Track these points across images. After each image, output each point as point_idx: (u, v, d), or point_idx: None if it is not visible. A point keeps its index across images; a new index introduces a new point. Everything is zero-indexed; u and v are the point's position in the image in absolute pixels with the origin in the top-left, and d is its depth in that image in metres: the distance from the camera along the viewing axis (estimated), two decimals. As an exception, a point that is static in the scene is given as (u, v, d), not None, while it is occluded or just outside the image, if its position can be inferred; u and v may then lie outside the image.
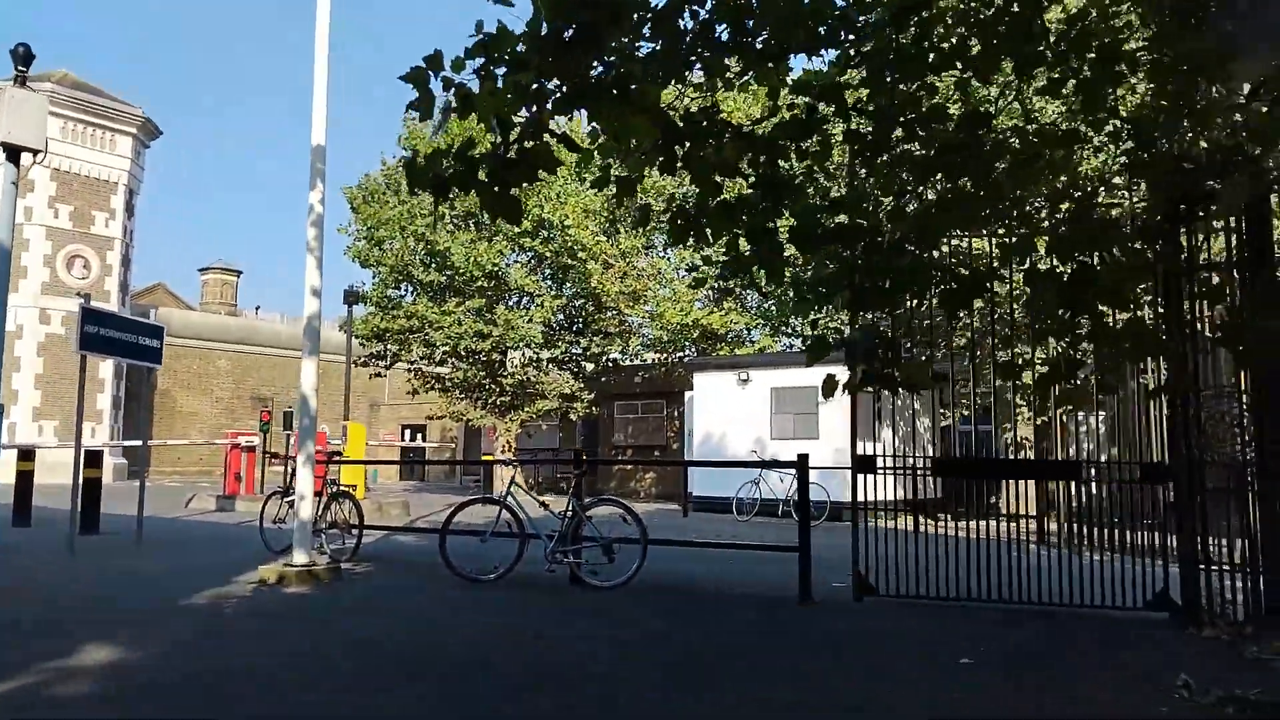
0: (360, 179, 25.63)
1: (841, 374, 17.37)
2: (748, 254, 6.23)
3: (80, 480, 11.16)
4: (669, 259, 21.63)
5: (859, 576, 7.82)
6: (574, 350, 25.72)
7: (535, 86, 4.15)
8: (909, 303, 7.21)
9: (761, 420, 18.87)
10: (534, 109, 4.19)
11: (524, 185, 4.60)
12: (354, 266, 28.88)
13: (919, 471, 8.33)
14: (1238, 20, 5.53)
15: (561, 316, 25.17)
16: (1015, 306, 8.26)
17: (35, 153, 11.07)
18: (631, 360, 24.85)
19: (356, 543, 9.79)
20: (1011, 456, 18.10)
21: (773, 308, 19.99)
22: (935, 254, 7.15)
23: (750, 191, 5.88)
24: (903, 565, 7.75)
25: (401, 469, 38.53)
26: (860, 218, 5.81)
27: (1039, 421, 18.72)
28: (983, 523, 8.86)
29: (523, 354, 25.92)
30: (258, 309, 48.07)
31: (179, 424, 38.60)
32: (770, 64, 5.60)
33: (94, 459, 12.86)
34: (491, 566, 8.42)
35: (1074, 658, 6.06)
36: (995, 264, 6.49)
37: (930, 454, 17.50)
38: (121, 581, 8.48)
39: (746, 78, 5.78)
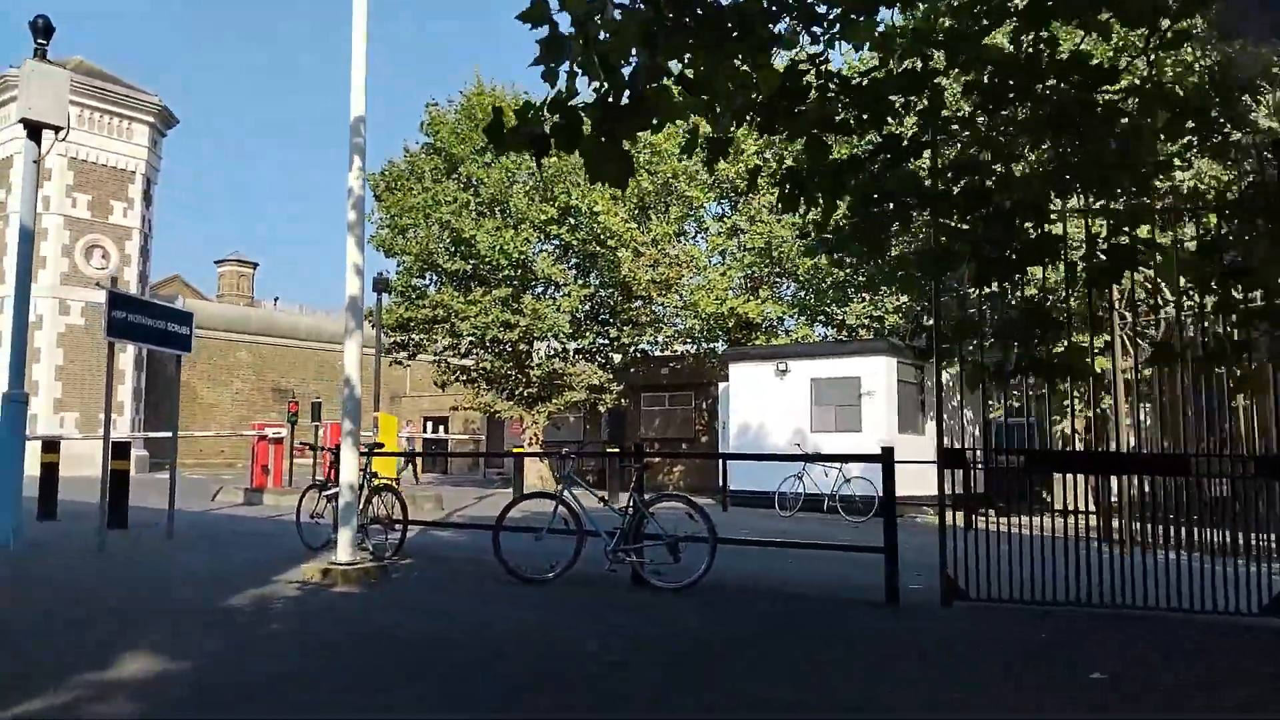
0: (383, 166, 25.20)
1: (883, 366, 16.66)
2: (847, 226, 5.69)
3: (108, 473, 10.69)
4: (701, 246, 21.05)
5: (948, 579, 7.25)
6: (601, 341, 25.20)
7: (653, 26, 3.59)
8: (1043, 275, 6.59)
9: (801, 412, 18.29)
10: (650, 50, 3.63)
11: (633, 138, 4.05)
12: (377, 255, 28.48)
13: (1007, 466, 7.66)
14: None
15: (589, 306, 24.66)
16: (1160, 281, 7.63)
17: (57, 130, 10.61)
18: (662, 351, 24.28)
19: (401, 539, 9.29)
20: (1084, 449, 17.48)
21: (810, 296, 19.38)
22: (1063, 223, 6.54)
23: (861, 153, 5.33)
24: (990, 566, 7.17)
25: (424, 462, 38.08)
26: (985, 179, 5.26)
27: (1090, 414, 18.10)
28: (1064, 520, 8.29)
29: (549, 345, 25.45)
30: (276, 300, 47.77)
31: (199, 416, 38.31)
32: (860, 17, 5.06)
33: (122, 451, 12.41)
34: (548, 565, 7.90)
35: (1215, 674, 5.48)
36: (1152, 233, 5.89)
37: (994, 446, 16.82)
38: (156, 581, 8.00)
39: (835, 30, 5.22)
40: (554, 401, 24.70)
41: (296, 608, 6.70)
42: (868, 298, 18.33)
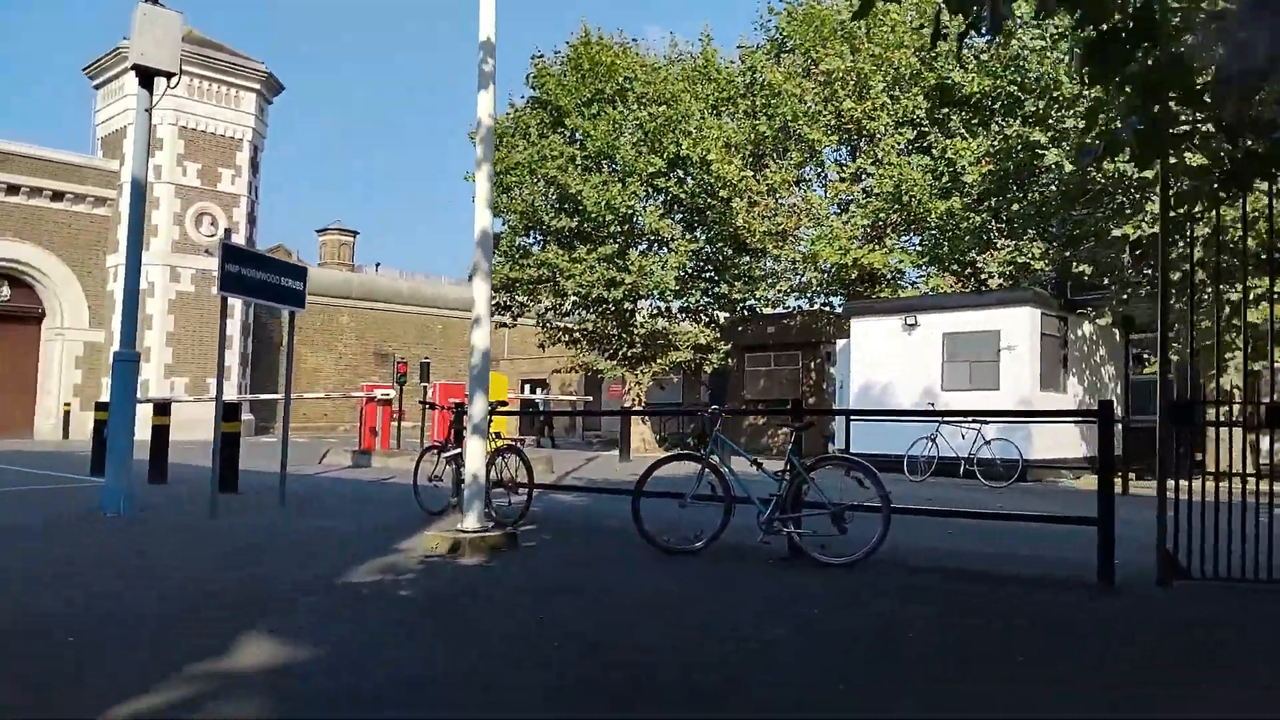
0: (485, 121, 24.55)
1: (1025, 318, 14.94)
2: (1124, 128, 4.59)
3: (218, 435, 10.27)
4: (820, 194, 19.79)
5: (1167, 555, 6.16)
6: (708, 298, 24.22)
7: None
8: None
9: (932, 369, 17.07)
10: None
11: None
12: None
13: (1255, 424, 6.46)
14: None
15: (696, 262, 23.69)
16: None
17: (169, 76, 10.11)
18: (774, 307, 23.17)
19: (526, 504, 8.58)
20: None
21: (943, 244, 18.01)
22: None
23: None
24: (1206, 539, 6.06)
25: (521, 422, 37.79)
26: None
27: (1254, 367, 16.43)
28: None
29: (651, 304, 24.61)
30: (377, 266, 48.03)
31: (304, 379, 38.77)
32: None
33: (232, 412, 12.06)
34: (693, 535, 7.08)
35: None
36: None
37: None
38: (271, 550, 7.44)
39: None
40: (658, 362, 23.91)
41: (427, 583, 6.01)
42: (1010, 244, 16.89)
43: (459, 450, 9.31)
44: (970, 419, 13.62)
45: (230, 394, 29.72)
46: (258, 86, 33.54)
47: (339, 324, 41.28)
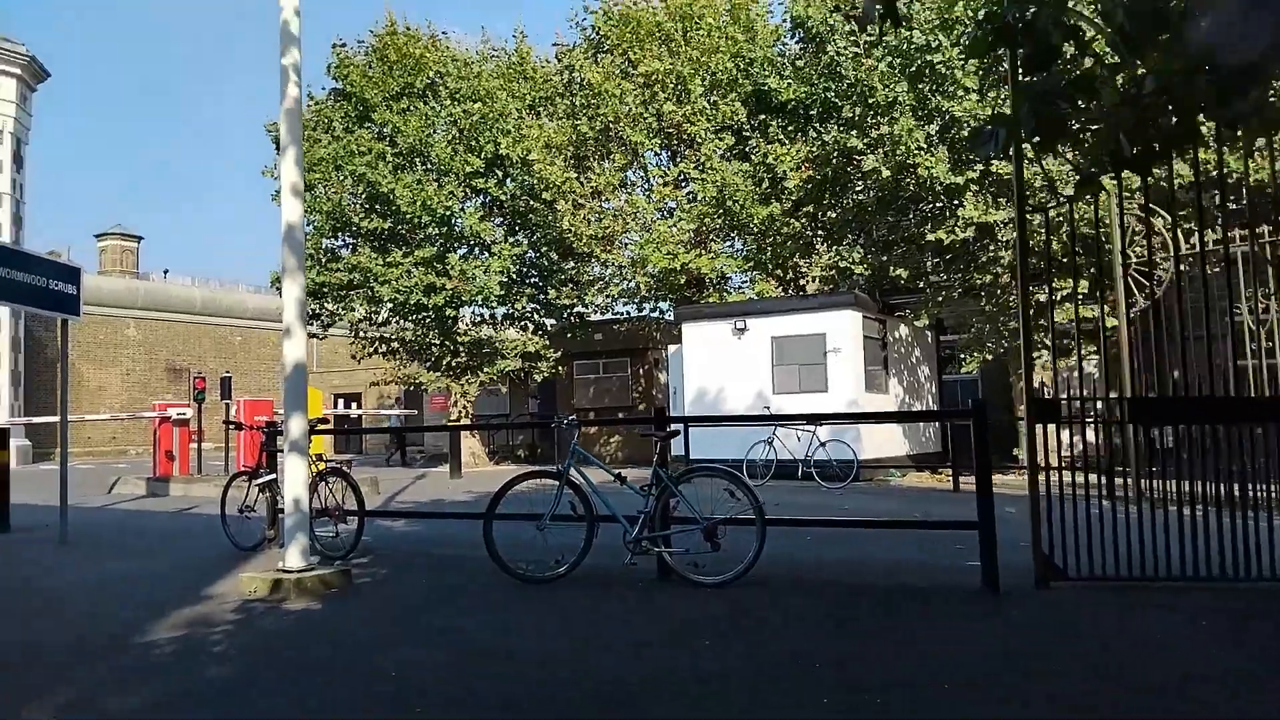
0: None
1: (848, 321, 15.01)
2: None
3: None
4: (648, 198, 19.53)
5: (1043, 557, 6.06)
6: (534, 304, 23.54)
7: None
8: None
9: (762, 373, 17.10)
10: None
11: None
12: (280, 215, 26.19)
13: (1105, 420, 6.47)
14: None
15: (520, 267, 22.96)
16: None
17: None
18: (602, 313, 22.76)
19: (357, 534, 7.66)
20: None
21: (766, 250, 18.10)
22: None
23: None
24: (1080, 538, 6.02)
25: (336, 441, 35.79)
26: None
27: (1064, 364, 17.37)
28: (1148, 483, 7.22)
29: (474, 311, 23.68)
30: (166, 273, 44.33)
31: (86, 400, 35.28)
32: None
33: (1, 439, 10.40)
34: (553, 560, 6.45)
35: None
36: None
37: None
38: (49, 603, 6.25)
39: None
40: (485, 371, 23.00)
41: (246, 638, 5.09)
42: (830, 249, 17.13)
43: (273, 476, 8.31)
44: (827, 421, 13.52)
45: (2, 417, 26.51)
46: (18, 71, 30.27)
47: (124, 337, 37.83)
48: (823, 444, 15.06)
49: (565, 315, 24.09)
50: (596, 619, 5.46)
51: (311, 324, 24.03)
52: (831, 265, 16.41)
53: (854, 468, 14.86)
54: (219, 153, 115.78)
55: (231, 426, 9.58)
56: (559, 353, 23.36)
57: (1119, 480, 6.34)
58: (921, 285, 16.72)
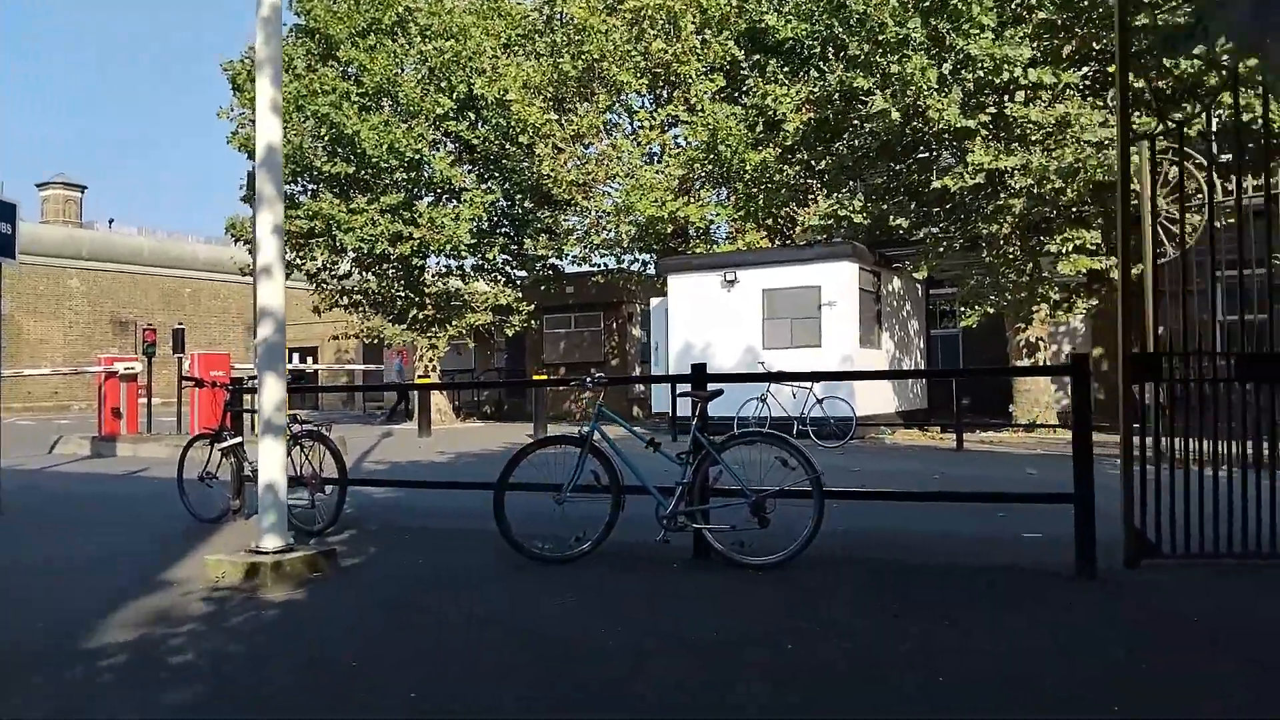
0: (244, 51, 21.40)
1: (846, 273, 14.07)
2: None
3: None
4: (634, 142, 18.42)
5: (1136, 533, 5.30)
6: (506, 255, 22.43)
7: None
8: None
9: (752, 327, 16.26)
10: None
11: None
12: (238, 158, 24.67)
13: (1212, 380, 5.66)
14: None
15: (492, 216, 21.81)
16: None
17: None
18: (582, 265, 21.71)
19: (337, 506, 6.69)
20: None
21: (759, 197, 17.13)
22: None
23: None
24: (1175, 510, 5.27)
25: (292, 398, 34.43)
26: None
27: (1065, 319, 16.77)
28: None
29: (439, 262, 22.50)
30: (111, 222, 42.23)
31: (26, 353, 33.55)
32: None
33: (-82, 397, 9.22)
34: (572, 538, 5.58)
35: None
36: None
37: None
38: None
39: None
40: (453, 325, 21.91)
41: (219, 640, 4.16)
42: (831, 197, 16.20)
43: (239, 440, 7.32)
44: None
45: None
46: (-51, 5, 28.11)
47: (67, 288, 36.00)
48: (819, 401, 14.29)
49: (538, 267, 23.02)
50: (626, 608, 4.60)
51: (255, 277, 22.72)
52: (829, 214, 15.52)
53: (852, 425, 14.14)
54: (167, 100, 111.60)
55: (190, 383, 8.52)
56: (532, 305, 22.31)
57: (1218, 445, 5.56)
58: (922, 236, 15.92)
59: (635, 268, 21.26)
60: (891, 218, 15.68)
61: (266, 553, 5.37)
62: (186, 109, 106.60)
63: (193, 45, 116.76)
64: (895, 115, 14.15)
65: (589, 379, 5.95)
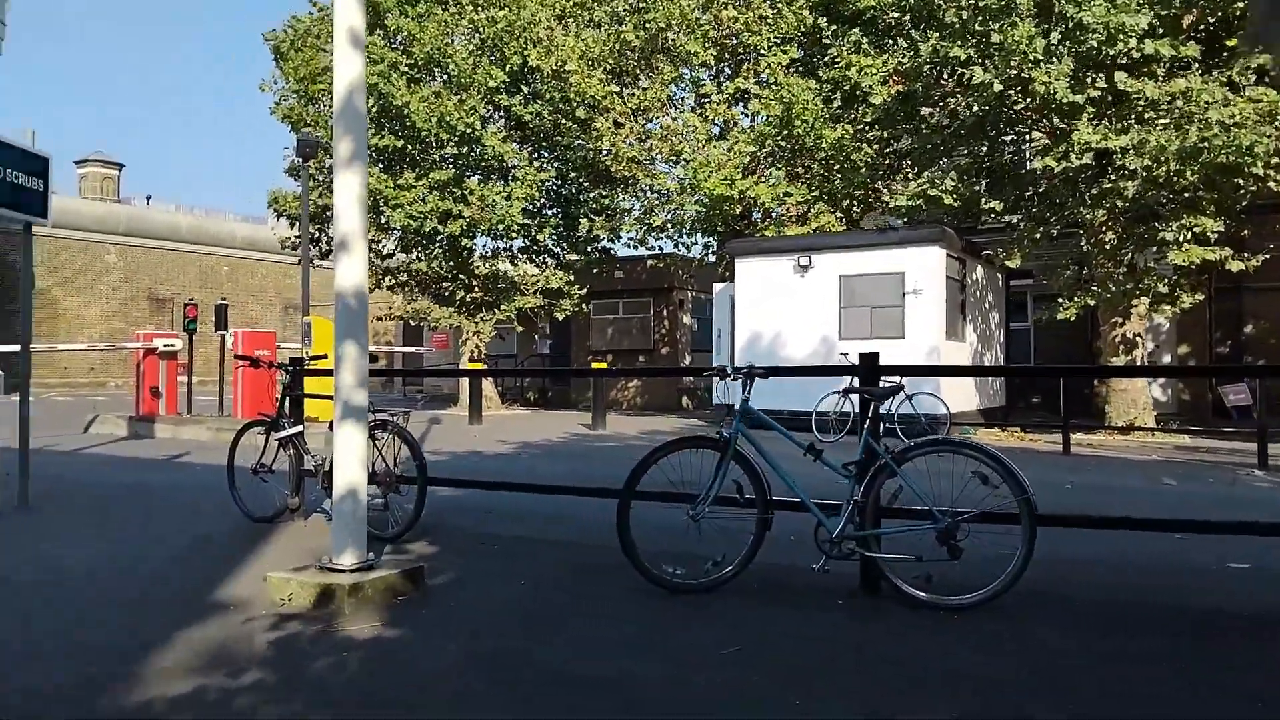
0: (286, 20, 20.55)
1: (934, 259, 12.75)
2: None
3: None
4: (700, 116, 17.28)
5: None
6: (556, 236, 21.39)
7: None
8: None
9: (827, 316, 15.16)
10: None
11: None
12: (281, 129, 23.90)
13: None
14: None
15: (545, 195, 20.79)
16: None
17: None
18: (635, 248, 20.64)
19: (416, 510, 5.75)
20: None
21: (835, 177, 15.94)
22: None
23: None
24: None
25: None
26: None
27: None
28: None
29: (486, 243, 21.52)
30: (149, 199, 41.71)
31: (62, 329, 33.08)
32: None
33: (-57, 371, 8.37)
34: (710, 562, 4.57)
35: None
36: None
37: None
38: (-9, 609, 4.34)
39: None
40: (502, 309, 20.96)
41: (288, 702, 3.20)
42: (912, 177, 14.96)
43: (299, 428, 6.38)
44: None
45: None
46: (-10, -28, 27.46)
47: (104, 264, 35.49)
48: (908, 397, 13.17)
49: (589, 249, 22.01)
50: (822, 674, 3.58)
51: (307, 253, 21.86)
52: (918, 194, 14.34)
53: (945, 424, 13.05)
54: (204, 78, 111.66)
55: (244, 362, 7.57)
56: (583, 289, 21.30)
57: None
58: (1017, 220, 14.73)
59: (695, 252, 20.13)
60: (984, 200, 14.50)
61: (342, 570, 4.42)
62: (225, 86, 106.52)
63: (232, 18, 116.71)
64: (997, 88, 12.97)
65: (729, 368, 4.90)
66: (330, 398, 7.43)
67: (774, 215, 16.92)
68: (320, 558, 4.61)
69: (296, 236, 22.16)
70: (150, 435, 13.08)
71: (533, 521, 6.55)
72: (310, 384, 6.83)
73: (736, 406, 4.73)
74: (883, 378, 4.79)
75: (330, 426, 6.14)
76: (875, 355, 4.77)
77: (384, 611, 4.22)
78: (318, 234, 21.43)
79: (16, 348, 8.05)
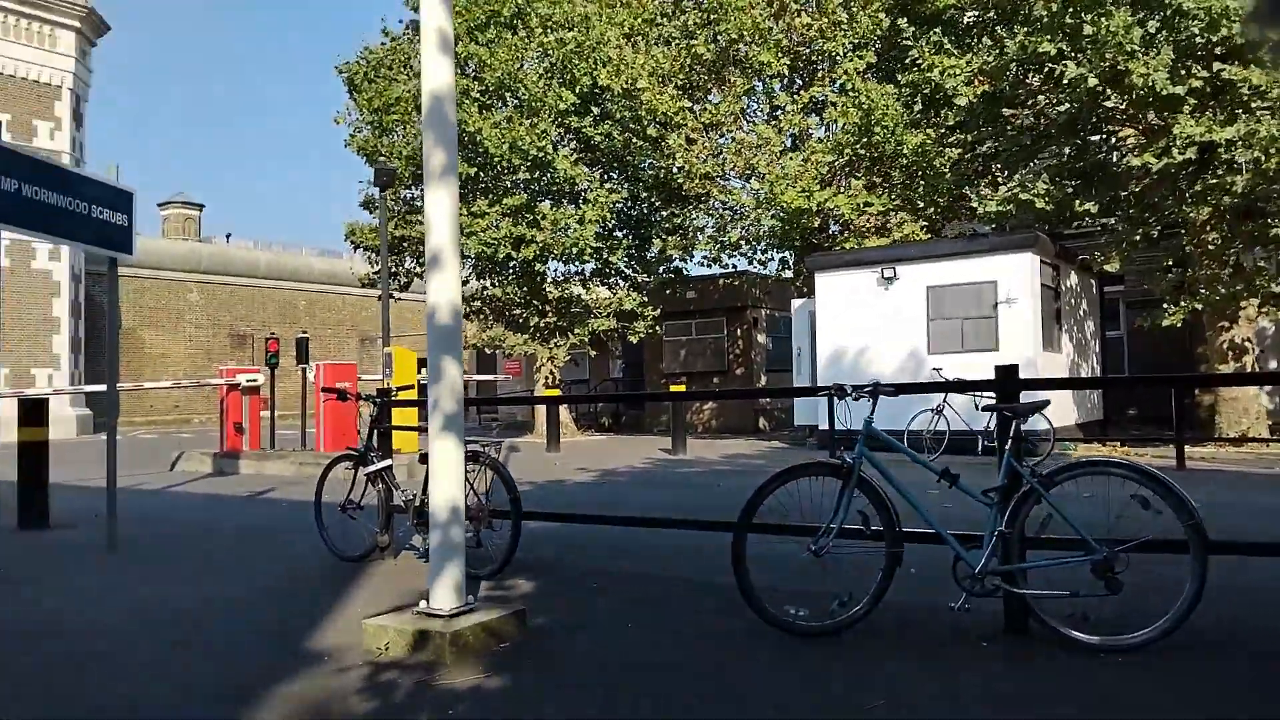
0: (359, 52, 20.76)
1: (1027, 266, 12.01)
2: None
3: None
4: (775, 128, 16.89)
5: None
6: (627, 257, 21.14)
7: None
8: None
9: (915, 329, 14.59)
10: None
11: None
12: (357, 161, 24.04)
13: None
14: None
15: (617, 216, 20.58)
16: None
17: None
18: (714, 265, 20.27)
19: (510, 545, 5.46)
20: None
21: (920, 184, 15.39)
22: None
23: None
24: None
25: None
26: None
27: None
28: None
29: (555, 269, 21.37)
30: (229, 236, 42.80)
31: (149, 367, 33.92)
32: None
33: (36, 414, 8.40)
34: (835, 601, 4.17)
35: None
36: None
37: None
38: (76, 656, 4.13)
39: None
40: (575, 333, 20.79)
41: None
42: (1001, 180, 14.30)
43: (387, 463, 6.15)
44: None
45: (62, 386, 25.01)
46: (76, 24, 28.50)
47: (187, 302, 36.36)
48: (938, 411, 12.56)
49: (661, 270, 21.74)
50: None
51: (386, 282, 21.97)
52: (1008, 199, 13.74)
53: (1050, 440, 12.41)
54: (280, 116, 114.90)
55: (331, 395, 7.40)
56: (657, 310, 21.01)
57: None
58: (1113, 222, 14.03)
59: (771, 268, 19.67)
60: (1078, 202, 13.85)
61: (440, 614, 4.13)
62: (299, 124, 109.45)
63: (309, 57, 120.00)
64: (1091, 83, 12.36)
65: (848, 386, 4.51)
66: (415, 429, 7.26)
67: (851, 227, 16.40)
68: (416, 600, 4.33)
69: (374, 272, 22.35)
70: (235, 471, 13.11)
71: (630, 555, 6.22)
72: (393, 415, 6.62)
73: (860, 429, 4.33)
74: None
75: (421, 459, 5.93)
76: (1014, 368, 4.34)
77: (486, 660, 3.91)
78: (395, 267, 21.56)
79: (98, 388, 8.03)
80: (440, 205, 4.41)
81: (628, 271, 21.76)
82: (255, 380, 14.15)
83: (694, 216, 19.61)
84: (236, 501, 10.09)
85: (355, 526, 6.17)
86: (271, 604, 5.10)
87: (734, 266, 20.43)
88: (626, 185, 20.05)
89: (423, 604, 4.23)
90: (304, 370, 15.35)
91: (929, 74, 14.36)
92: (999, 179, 14.85)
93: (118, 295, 7.72)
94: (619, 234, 20.96)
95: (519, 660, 3.93)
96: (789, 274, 19.96)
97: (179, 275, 35.94)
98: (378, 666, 3.85)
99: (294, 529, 7.52)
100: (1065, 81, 12.62)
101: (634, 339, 21.12)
